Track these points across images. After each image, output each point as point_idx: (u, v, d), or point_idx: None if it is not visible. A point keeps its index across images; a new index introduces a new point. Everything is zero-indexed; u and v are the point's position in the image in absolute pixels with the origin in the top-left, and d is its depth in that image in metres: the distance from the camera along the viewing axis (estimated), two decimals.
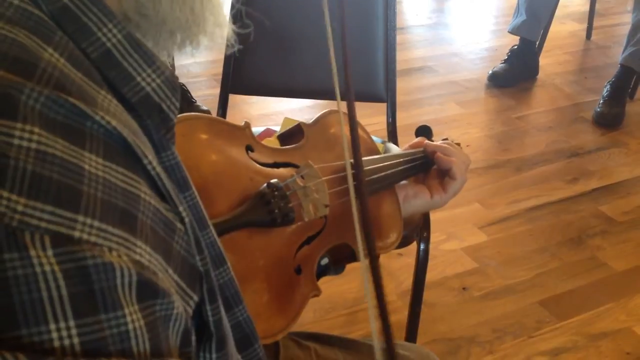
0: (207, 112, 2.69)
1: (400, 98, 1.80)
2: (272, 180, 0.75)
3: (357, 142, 0.70)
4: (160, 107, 0.45)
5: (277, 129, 1.56)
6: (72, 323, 0.32)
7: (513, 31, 3.25)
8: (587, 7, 3.88)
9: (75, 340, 0.32)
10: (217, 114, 1.73)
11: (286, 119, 1.56)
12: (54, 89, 0.35)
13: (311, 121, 0.90)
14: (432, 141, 1.05)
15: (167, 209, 0.41)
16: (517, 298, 1.98)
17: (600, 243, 2.23)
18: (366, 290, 0.66)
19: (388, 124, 1.73)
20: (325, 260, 0.87)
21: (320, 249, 0.82)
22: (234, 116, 2.57)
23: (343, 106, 0.73)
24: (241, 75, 1.70)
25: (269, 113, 2.84)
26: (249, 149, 0.78)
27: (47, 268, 0.31)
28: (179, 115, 0.71)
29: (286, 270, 0.77)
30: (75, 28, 0.41)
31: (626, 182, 2.57)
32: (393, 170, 0.93)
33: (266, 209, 0.72)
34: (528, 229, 2.28)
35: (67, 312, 0.32)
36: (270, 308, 0.73)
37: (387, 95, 1.71)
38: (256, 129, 1.62)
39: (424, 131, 1.08)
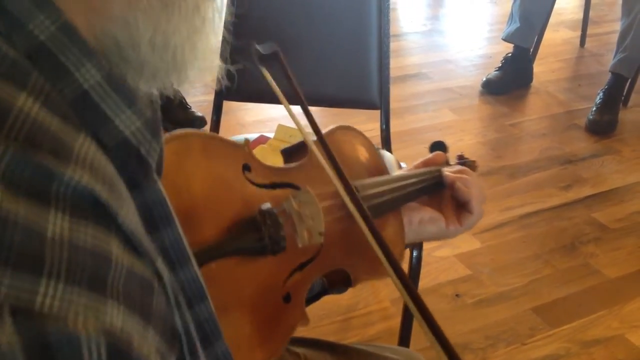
0: (202, 118, 2.70)
1: (394, 105, 1.81)
2: (265, 205, 0.71)
3: (342, 175, 0.69)
4: (139, 151, 0.42)
5: (271, 135, 1.56)
6: None
7: (507, 38, 3.26)
8: (581, 15, 3.90)
9: None
10: (211, 120, 1.73)
11: (280, 126, 1.57)
12: (23, 143, 0.33)
13: (316, 138, 0.86)
14: (447, 157, 1.00)
15: (143, 264, 0.38)
16: (510, 305, 1.99)
17: (593, 250, 2.24)
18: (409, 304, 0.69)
19: (382, 130, 1.73)
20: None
21: (312, 276, 0.78)
22: (229, 122, 2.57)
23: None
24: (236, 81, 1.70)
25: (264, 119, 2.85)
26: (245, 168, 0.74)
27: (4, 340, 0.29)
28: (173, 132, 0.68)
29: (273, 299, 0.73)
30: (51, 67, 0.39)
31: (619, 189, 2.58)
32: (399, 193, 0.88)
33: (256, 236, 0.69)
34: (521, 235, 2.28)
35: None
36: (251, 340, 0.70)
37: (380, 102, 1.71)
38: (250, 135, 1.62)
39: (438, 146, 1.03)
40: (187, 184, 0.68)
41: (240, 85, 1.71)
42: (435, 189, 0.93)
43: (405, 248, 0.95)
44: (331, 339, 1.78)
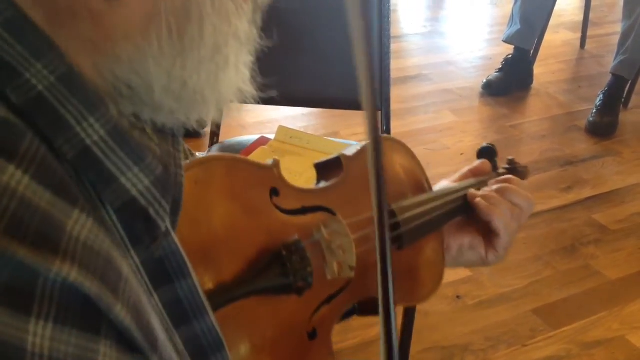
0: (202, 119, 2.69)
1: (395, 106, 1.81)
2: (291, 239, 0.65)
3: (383, 189, 0.54)
4: (147, 212, 0.39)
5: (272, 137, 1.56)
6: None
7: (507, 40, 3.26)
8: (581, 17, 3.90)
9: None
10: (212, 122, 1.73)
11: (280, 127, 1.57)
12: (4, 234, 0.31)
13: (353, 152, 0.78)
14: (496, 162, 0.93)
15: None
16: (510, 306, 1.98)
17: (593, 252, 2.24)
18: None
19: (382, 132, 1.73)
20: None
21: (341, 309, 0.72)
22: (229, 124, 2.57)
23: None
24: None
25: (264, 121, 2.85)
26: (273, 192, 0.67)
27: None
28: (196, 159, 0.62)
29: (297, 337, 0.67)
30: (49, 121, 0.35)
31: (620, 190, 2.58)
32: (439, 213, 0.81)
33: (280, 273, 0.63)
34: (522, 237, 2.28)
35: None
36: None
37: (381, 104, 1.71)
38: (250, 137, 1.62)
39: (486, 152, 0.93)
40: (208, 216, 0.62)
41: None
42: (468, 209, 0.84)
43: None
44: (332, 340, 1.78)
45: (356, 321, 1.85)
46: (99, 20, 0.38)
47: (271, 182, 0.68)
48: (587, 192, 2.55)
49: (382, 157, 0.53)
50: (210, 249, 0.60)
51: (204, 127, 2.72)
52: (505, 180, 0.87)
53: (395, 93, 2.10)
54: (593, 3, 3.84)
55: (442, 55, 3.68)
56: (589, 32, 3.87)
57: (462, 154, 2.66)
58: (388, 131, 1.74)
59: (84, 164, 0.37)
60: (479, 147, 0.93)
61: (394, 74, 1.76)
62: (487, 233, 0.83)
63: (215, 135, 1.80)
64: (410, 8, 4.44)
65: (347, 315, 0.76)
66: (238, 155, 0.68)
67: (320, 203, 0.71)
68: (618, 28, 3.14)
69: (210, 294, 0.52)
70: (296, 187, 0.70)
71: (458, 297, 2.01)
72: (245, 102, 0.49)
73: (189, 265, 0.45)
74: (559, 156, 2.78)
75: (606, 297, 2.04)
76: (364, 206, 0.73)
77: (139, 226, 0.40)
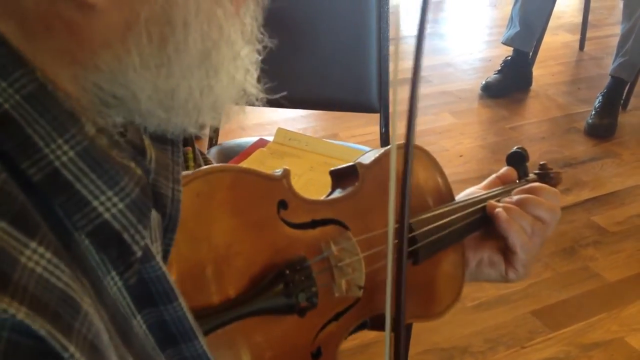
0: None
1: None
2: (297, 257, 0.62)
3: (407, 206, 0.50)
4: (121, 236, 0.38)
5: (271, 138, 1.56)
6: None
7: (506, 42, 3.26)
8: (580, 19, 3.90)
9: None
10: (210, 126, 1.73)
11: (280, 129, 1.57)
12: None
13: (371, 160, 0.73)
14: (526, 168, 0.87)
15: None
16: (510, 308, 1.98)
17: (592, 253, 2.24)
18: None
19: (381, 134, 1.73)
20: None
21: (348, 327, 0.68)
22: (229, 125, 2.57)
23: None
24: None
25: (264, 122, 2.85)
26: (281, 205, 0.64)
27: None
28: (199, 170, 0.59)
29: (301, 357, 0.64)
30: (15, 143, 0.34)
31: (619, 192, 2.58)
32: (457, 226, 0.76)
33: (283, 293, 0.59)
34: None
35: None
36: None
37: (380, 106, 1.71)
38: (249, 139, 1.62)
39: (515, 159, 0.87)
40: (209, 232, 0.58)
41: None
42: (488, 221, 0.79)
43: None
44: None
45: None
46: (74, 30, 0.36)
47: (279, 194, 0.64)
48: (586, 194, 2.55)
49: (410, 179, 0.51)
50: (210, 267, 0.57)
51: (203, 130, 2.72)
52: (529, 190, 0.81)
53: None
54: (592, 5, 3.84)
55: (441, 57, 3.68)
56: (588, 34, 3.87)
57: (461, 156, 2.66)
58: (387, 133, 1.74)
59: (53, 186, 0.35)
60: (509, 151, 0.87)
61: (392, 76, 1.76)
62: (505, 249, 0.78)
63: (213, 137, 1.80)
64: (410, 9, 4.44)
65: (357, 329, 0.73)
66: (245, 167, 0.65)
67: (331, 215, 0.68)
68: (617, 30, 3.14)
69: (209, 313, 0.50)
70: (307, 198, 0.67)
71: None
72: (246, 104, 0.48)
73: (176, 289, 0.44)
74: (558, 158, 2.78)
75: (605, 299, 2.04)
76: (378, 219, 0.69)
77: (112, 252, 0.38)
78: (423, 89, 3.33)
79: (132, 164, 0.39)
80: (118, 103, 0.39)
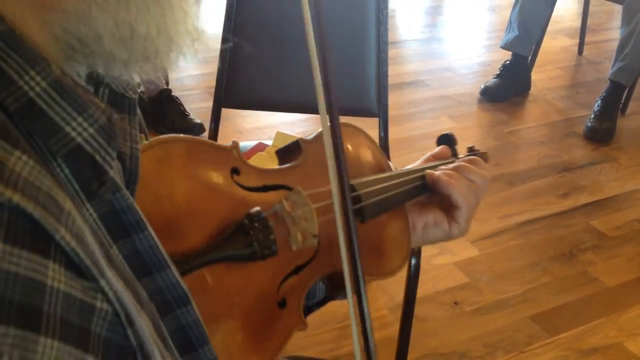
0: (200, 125, 2.70)
1: (392, 112, 1.81)
2: (253, 209, 0.68)
3: (344, 164, 0.63)
4: (94, 158, 0.41)
5: (270, 142, 1.56)
6: None
7: (505, 46, 3.27)
8: (578, 23, 3.90)
9: None
10: (210, 127, 1.73)
11: (278, 133, 1.57)
12: None
13: (311, 137, 0.83)
14: (456, 150, 0.97)
15: (85, 286, 0.37)
16: (508, 313, 1.98)
17: (591, 258, 2.24)
18: (351, 321, 0.62)
19: (380, 138, 1.73)
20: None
21: (309, 280, 0.75)
22: (227, 129, 2.57)
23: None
24: (234, 88, 1.70)
25: (262, 126, 2.85)
26: (234, 172, 0.71)
27: None
28: (155, 138, 0.66)
29: (267, 304, 0.70)
30: None
31: (617, 197, 2.58)
32: (399, 190, 0.84)
33: (244, 241, 0.66)
34: (520, 243, 2.28)
35: None
36: (245, 348, 0.67)
37: (379, 110, 1.71)
38: (249, 143, 1.62)
39: (446, 139, 0.99)
40: (170, 191, 0.65)
41: (238, 92, 1.72)
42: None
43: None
44: (329, 346, 1.78)
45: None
46: None
47: (231, 162, 0.72)
48: (584, 199, 2.55)
49: (340, 133, 0.62)
50: (174, 223, 0.63)
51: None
52: (470, 161, 0.91)
53: (393, 99, 2.10)
54: (591, 9, 3.85)
55: (440, 61, 3.69)
56: (587, 39, 3.88)
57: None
58: (385, 137, 1.74)
59: (29, 115, 0.38)
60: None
61: (391, 79, 1.76)
62: (449, 207, 0.87)
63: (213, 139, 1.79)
64: (408, 14, 4.45)
65: (322, 301, 0.82)
66: (197, 137, 0.71)
67: (280, 182, 0.75)
68: (616, 34, 3.14)
69: (176, 261, 0.53)
70: (257, 167, 0.74)
71: (455, 303, 2.01)
72: (197, 53, 0.49)
73: (144, 219, 0.47)
74: (556, 162, 2.78)
75: (604, 304, 2.04)
76: (323, 183, 0.76)
77: (86, 172, 0.41)
78: (422, 93, 3.35)
79: (97, 99, 0.43)
80: (82, 47, 0.42)
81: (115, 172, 0.45)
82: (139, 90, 0.51)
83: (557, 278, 2.14)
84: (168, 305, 0.50)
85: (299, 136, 0.83)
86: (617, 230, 2.39)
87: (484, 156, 1.01)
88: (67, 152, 0.40)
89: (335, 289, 0.80)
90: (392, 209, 0.85)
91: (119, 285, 0.41)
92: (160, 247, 0.49)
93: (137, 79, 0.47)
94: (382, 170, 0.89)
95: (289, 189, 0.75)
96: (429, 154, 0.96)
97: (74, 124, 0.40)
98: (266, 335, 0.70)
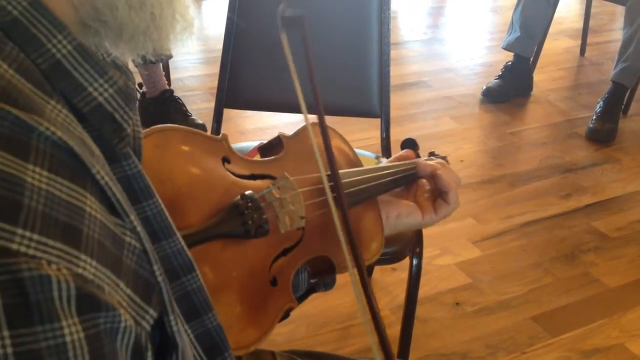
0: (202, 125, 2.70)
1: (394, 113, 1.81)
2: (247, 192, 0.74)
3: (332, 153, 0.72)
4: (113, 116, 0.45)
5: None
6: (6, 333, 0.32)
7: (507, 47, 3.26)
8: (581, 24, 3.90)
9: (9, 350, 0.32)
10: (212, 128, 1.74)
11: (280, 134, 1.57)
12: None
13: (292, 133, 0.90)
14: (419, 154, 1.03)
15: (116, 222, 0.41)
16: (510, 314, 1.98)
17: (593, 259, 2.24)
18: (358, 299, 0.69)
19: (382, 139, 1.73)
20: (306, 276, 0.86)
21: (297, 261, 0.81)
22: (229, 130, 2.57)
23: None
24: (236, 89, 1.71)
25: (264, 127, 2.85)
26: (225, 160, 0.78)
27: None
28: (152, 127, 0.71)
29: (261, 281, 0.76)
30: (24, 40, 0.41)
31: (619, 198, 2.58)
32: (375, 182, 0.91)
33: (240, 220, 0.72)
34: (522, 244, 2.28)
35: (1, 323, 0.32)
36: (242, 320, 0.73)
37: (381, 110, 1.71)
38: (249, 144, 1.62)
39: (410, 144, 1.07)
40: (170, 174, 0.71)
41: (240, 93, 1.72)
42: (410, 180, 0.96)
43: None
44: (330, 347, 1.78)
45: (355, 328, 1.85)
46: None
47: (222, 152, 0.78)
48: (586, 200, 2.55)
49: (327, 129, 0.73)
50: (174, 203, 0.69)
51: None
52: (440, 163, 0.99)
53: (395, 100, 2.11)
54: (593, 10, 3.84)
55: (442, 62, 3.69)
56: (589, 40, 3.88)
57: (462, 161, 2.66)
58: (387, 138, 1.74)
59: (56, 75, 0.42)
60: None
61: (393, 80, 1.76)
62: (439, 193, 0.94)
63: None
64: (410, 14, 4.45)
65: (306, 293, 0.87)
66: (190, 128, 0.77)
67: (266, 172, 0.82)
68: (618, 35, 3.14)
69: None
70: (245, 158, 0.80)
71: (457, 304, 2.01)
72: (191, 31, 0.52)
73: (152, 187, 0.50)
74: (558, 163, 2.78)
75: (606, 305, 2.04)
76: (305, 173, 0.84)
77: (107, 127, 0.45)
78: (424, 94, 3.35)
79: (114, 61, 0.47)
80: (99, 15, 0.45)
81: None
82: (141, 90, 0.53)
83: (559, 279, 2.14)
84: (174, 272, 0.53)
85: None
86: (619, 231, 2.39)
87: (444, 159, 1.07)
88: (90, 109, 0.43)
89: (316, 274, 0.86)
90: (367, 200, 0.91)
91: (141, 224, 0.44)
92: (167, 214, 0.52)
93: (136, 56, 0.50)
94: (355, 166, 0.96)
95: (273, 178, 0.81)
96: (394, 156, 1.03)
97: (95, 84, 0.44)
98: (261, 309, 0.75)
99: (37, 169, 0.35)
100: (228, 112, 1.76)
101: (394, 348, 1.61)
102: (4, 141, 0.35)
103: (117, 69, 0.48)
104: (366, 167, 0.94)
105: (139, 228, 0.43)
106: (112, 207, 0.41)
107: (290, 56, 0.77)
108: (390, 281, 2.05)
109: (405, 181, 0.96)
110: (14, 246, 0.33)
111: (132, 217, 0.42)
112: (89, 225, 0.37)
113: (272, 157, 0.85)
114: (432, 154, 1.08)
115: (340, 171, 0.87)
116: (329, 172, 0.76)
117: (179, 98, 2.77)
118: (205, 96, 3.08)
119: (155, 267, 0.44)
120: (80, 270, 0.35)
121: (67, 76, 0.42)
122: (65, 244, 0.35)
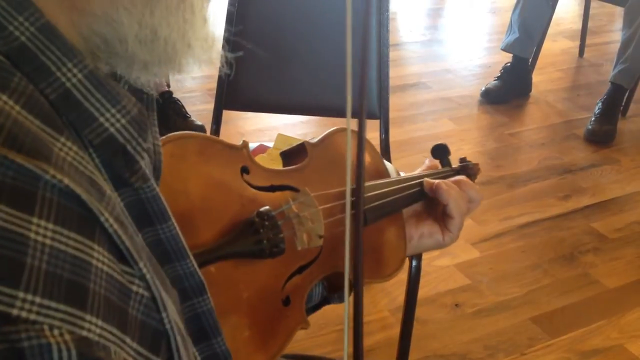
0: (202, 127, 2.70)
1: (393, 114, 1.81)
2: (263, 208, 0.70)
3: (362, 169, 0.63)
4: (125, 148, 0.43)
5: (271, 144, 1.56)
6: None
7: (506, 48, 3.27)
8: (579, 25, 3.91)
9: None
10: (211, 129, 1.74)
11: (280, 135, 1.57)
12: (2, 145, 0.34)
13: (316, 140, 0.85)
14: (449, 160, 1.01)
15: (124, 271, 0.39)
16: (509, 315, 1.98)
17: (592, 260, 2.24)
18: (345, 318, 0.64)
19: (381, 140, 1.73)
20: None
21: (312, 279, 0.77)
22: (228, 131, 2.57)
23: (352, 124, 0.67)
24: (235, 90, 1.71)
25: (263, 128, 2.85)
26: (244, 170, 0.74)
27: None
28: (170, 134, 0.68)
29: (272, 302, 0.72)
30: (32, 68, 0.39)
31: (618, 199, 2.58)
32: (398, 196, 0.87)
33: (254, 239, 0.68)
34: (520, 245, 2.28)
35: None
36: (250, 344, 0.69)
37: (380, 112, 1.71)
38: (249, 145, 1.62)
39: (439, 152, 1.02)
40: (184, 187, 0.68)
41: (240, 94, 1.72)
42: (425, 195, 0.93)
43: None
44: (330, 348, 1.78)
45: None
46: None
47: (241, 161, 0.74)
48: (585, 201, 2.55)
49: (364, 140, 0.59)
50: (187, 218, 0.65)
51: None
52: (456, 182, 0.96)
53: (394, 101, 2.11)
54: (592, 11, 3.85)
55: (441, 63, 3.69)
56: (588, 41, 3.88)
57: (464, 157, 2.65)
58: (387, 139, 1.74)
59: (65, 105, 0.40)
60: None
61: (392, 82, 1.76)
62: (442, 217, 0.91)
63: None
64: (409, 16, 4.45)
65: (319, 304, 0.84)
66: (209, 135, 0.74)
67: (287, 182, 0.77)
68: (617, 36, 3.14)
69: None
70: (265, 167, 0.76)
71: (457, 305, 2.01)
72: (212, 61, 0.51)
73: (169, 210, 0.49)
74: (557, 164, 2.78)
75: (605, 306, 2.04)
76: (328, 185, 0.79)
77: (118, 162, 0.43)
78: (423, 95, 3.35)
79: (127, 92, 0.44)
80: (107, 47, 0.44)
81: (145, 163, 0.47)
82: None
83: (558, 280, 2.14)
84: (185, 294, 0.52)
85: (300, 138, 0.85)
86: (618, 232, 2.39)
87: (475, 167, 1.06)
88: (101, 141, 0.42)
89: (333, 290, 0.83)
90: (391, 214, 0.88)
91: (151, 270, 0.42)
92: (182, 237, 0.50)
93: (153, 81, 0.48)
94: (381, 176, 0.92)
95: (295, 189, 0.77)
96: (424, 166, 1.01)
97: (107, 114, 0.42)
98: (271, 333, 0.72)
99: (42, 222, 0.34)
100: (227, 114, 1.76)
101: (394, 349, 1.61)
102: (7, 193, 0.33)
103: (134, 93, 0.47)
104: (390, 179, 0.90)
105: (149, 276, 0.41)
106: (121, 255, 0.39)
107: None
108: (390, 282, 2.04)
109: (421, 196, 0.92)
110: (15, 311, 0.31)
111: (142, 264, 0.40)
112: (95, 280, 0.36)
113: (294, 167, 0.81)
114: (462, 160, 1.06)
115: (366, 184, 0.84)
116: (354, 185, 0.72)
117: (178, 99, 2.77)
118: (204, 97, 3.08)
119: (164, 315, 0.42)
120: (84, 333, 0.34)
121: (77, 107, 0.40)
122: (69, 305, 0.33)
